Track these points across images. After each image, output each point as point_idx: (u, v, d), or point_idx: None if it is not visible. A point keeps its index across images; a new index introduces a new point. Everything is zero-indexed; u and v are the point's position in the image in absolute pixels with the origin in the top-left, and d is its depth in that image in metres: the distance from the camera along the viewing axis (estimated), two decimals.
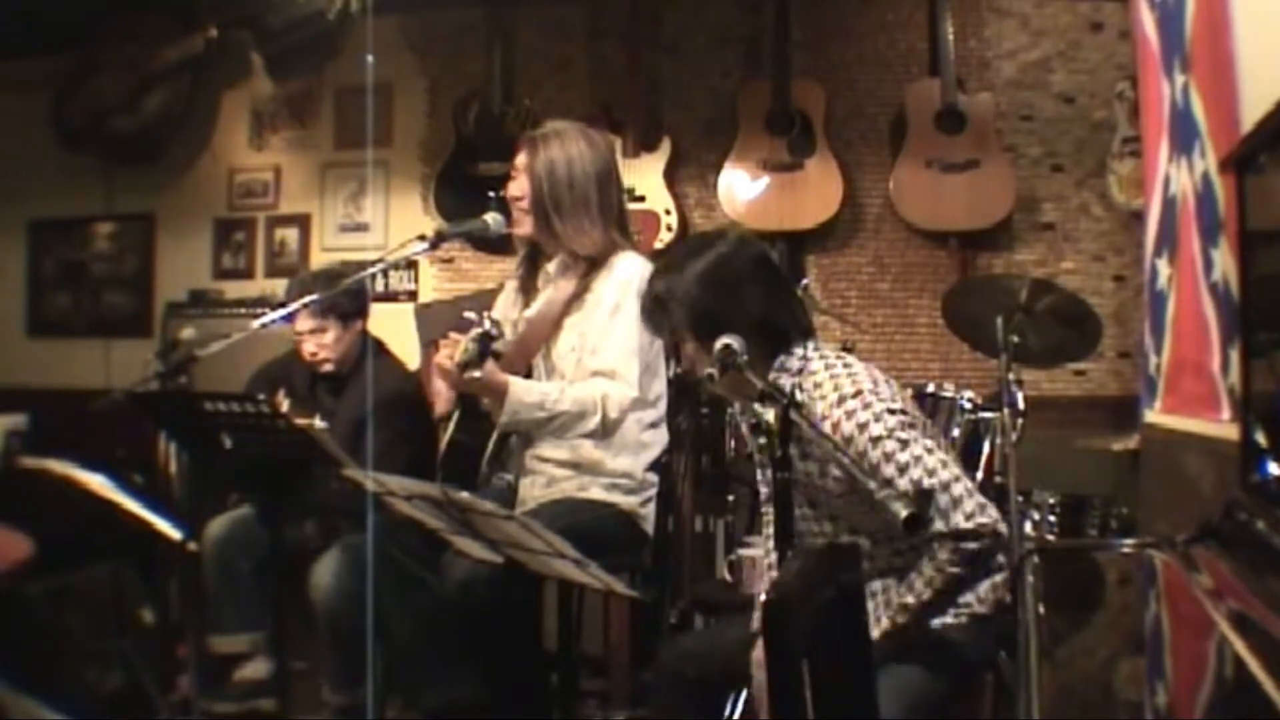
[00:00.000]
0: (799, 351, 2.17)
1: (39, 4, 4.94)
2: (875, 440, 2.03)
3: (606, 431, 2.70)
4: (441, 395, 2.88)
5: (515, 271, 3.00)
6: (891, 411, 2.05)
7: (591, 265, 2.76)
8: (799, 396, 2.10)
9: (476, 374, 2.57)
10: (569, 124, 2.87)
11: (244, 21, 5.00)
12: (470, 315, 2.63)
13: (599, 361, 2.70)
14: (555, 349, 2.80)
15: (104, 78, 5.19)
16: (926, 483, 1.99)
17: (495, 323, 2.61)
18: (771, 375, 2.15)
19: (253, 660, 3.33)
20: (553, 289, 2.81)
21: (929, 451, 2.03)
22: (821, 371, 2.13)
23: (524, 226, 2.82)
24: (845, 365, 2.15)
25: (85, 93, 5.22)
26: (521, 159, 2.81)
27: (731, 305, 2.13)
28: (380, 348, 3.48)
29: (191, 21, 5.01)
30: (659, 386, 2.83)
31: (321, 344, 3.32)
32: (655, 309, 2.23)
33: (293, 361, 3.45)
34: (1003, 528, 2.04)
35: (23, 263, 5.57)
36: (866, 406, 2.05)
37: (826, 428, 2.05)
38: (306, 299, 3.11)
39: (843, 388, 2.09)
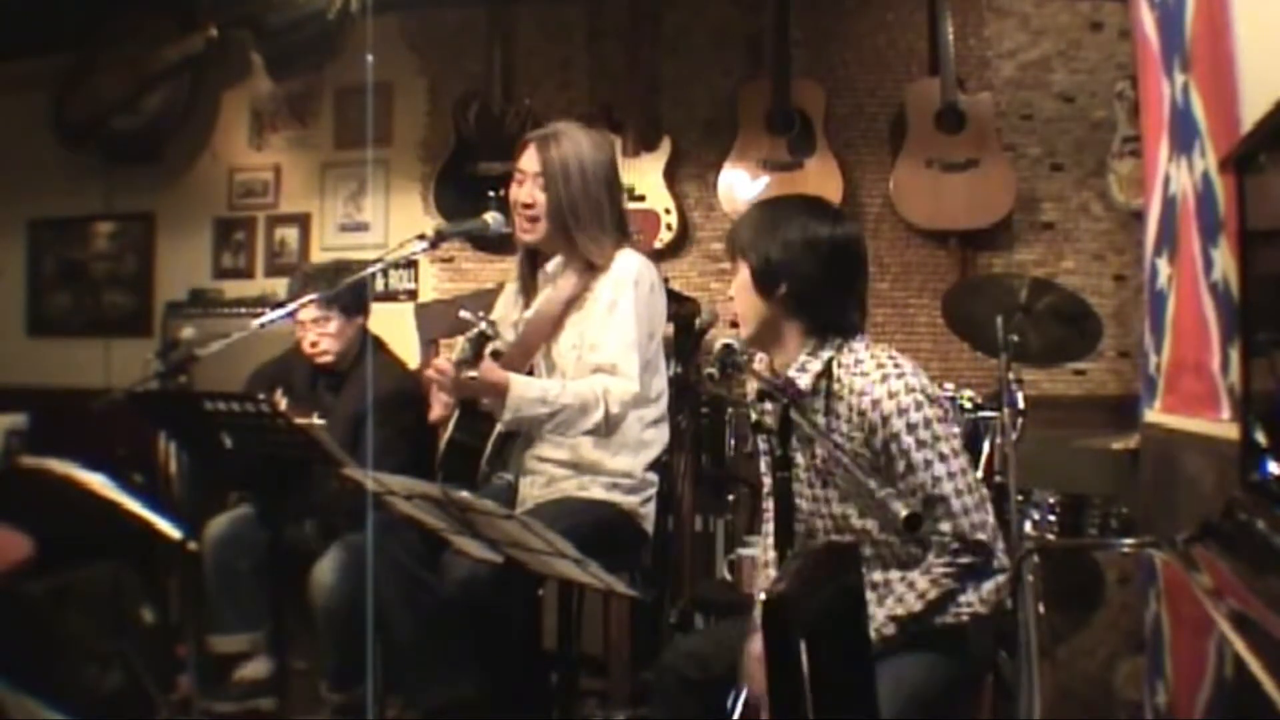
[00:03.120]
0: (840, 339, 2.18)
1: (39, 4, 4.94)
2: (911, 426, 2.05)
3: (609, 427, 2.68)
4: (439, 400, 2.86)
5: (515, 273, 2.98)
6: (931, 400, 2.08)
7: (590, 265, 2.76)
8: (837, 371, 2.13)
9: (472, 374, 2.56)
10: (571, 124, 2.82)
11: (244, 21, 4.99)
12: (465, 315, 2.62)
13: (598, 357, 2.69)
14: (556, 347, 2.79)
15: (104, 78, 5.19)
16: (945, 484, 2.03)
17: (491, 323, 2.60)
18: (810, 349, 2.16)
19: (253, 660, 3.33)
20: (552, 288, 2.80)
21: (955, 454, 2.06)
22: (863, 351, 2.15)
23: (535, 234, 2.75)
24: (886, 350, 2.17)
25: (85, 93, 5.22)
26: (531, 163, 2.74)
27: (803, 277, 2.13)
28: (379, 346, 3.48)
29: (191, 21, 5.01)
30: (660, 383, 2.83)
31: (324, 333, 3.33)
32: (736, 233, 2.25)
33: (292, 360, 3.46)
34: (999, 545, 2.08)
35: (23, 262, 5.57)
36: (910, 391, 2.07)
37: (866, 403, 2.07)
38: (313, 295, 3.12)
39: (885, 367, 2.10)
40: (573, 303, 2.76)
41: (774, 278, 2.15)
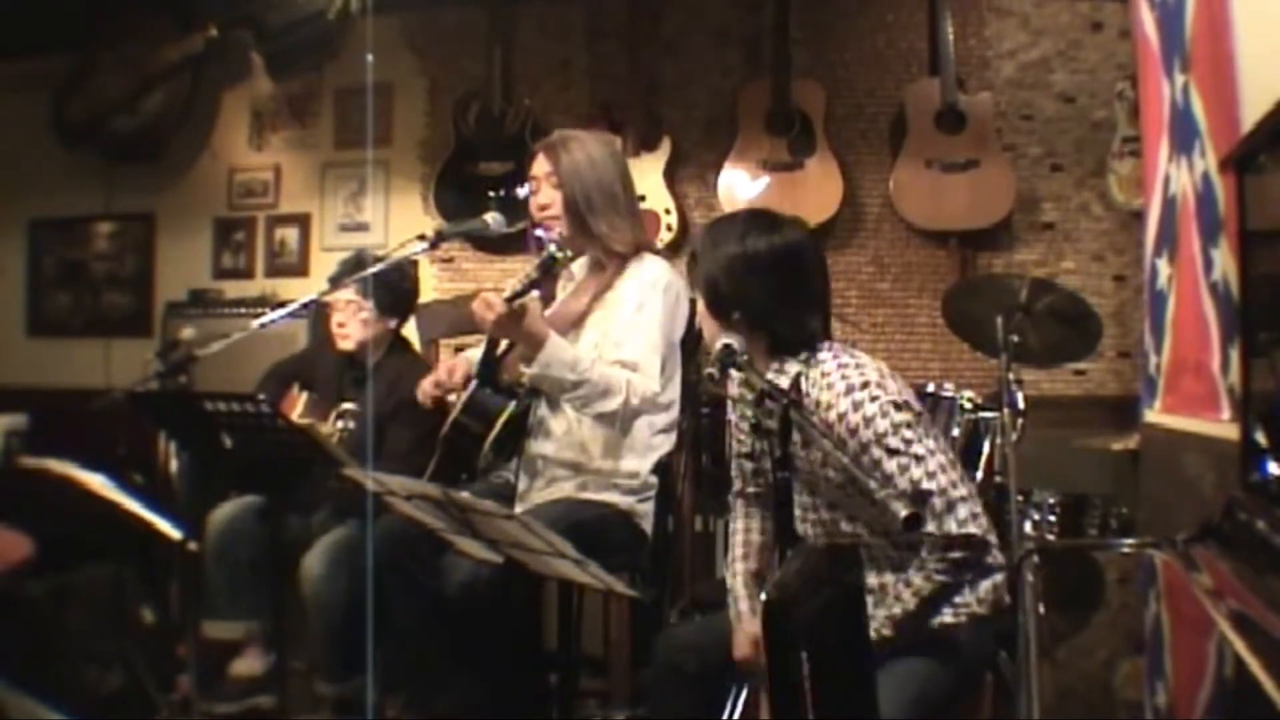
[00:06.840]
0: (805, 351, 2.19)
1: (39, 4, 4.94)
2: (880, 436, 2.05)
3: (624, 420, 2.67)
4: (431, 380, 2.87)
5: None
6: (898, 406, 2.07)
7: (618, 266, 2.76)
8: (805, 386, 2.12)
9: (526, 301, 2.54)
10: (579, 131, 2.89)
11: (244, 21, 5.00)
12: (541, 234, 2.68)
13: (622, 354, 2.69)
14: (577, 346, 2.78)
15: (104, 77, 5.19)
16: (925, 484, 2.02)
17: (559, 258, 2.58)
18: (777, 364, 2.18)
19: (248, 654, 3.33)
20: (576, 286, 2.82)
21: (931, 453, 2.05)
22: (830, 362, 2.15)
23: (559, 230, 2.79)
24: (853, 358, 2.17)
25: (85, 93, 5.22)
26: (541, 167, 2.80)
27: (751, 298, 2.16)
28: (405, 346, 3.51)
29: (191, 21, 5.01)
30: (673, 392, 2.83)
31: (352, 316, 3.35)
32: (692, 261, 2.31)
33: (314, 357, 3.47)
34: (992, 537, 2.07)
35: (23, 262, 5.57)
36: (874, 400, 2.07)
37: (832, 417, 2.08)
38: (359, 274, 3.16)
39: (850, 379, 2.10)
40: (596, 301, 2.76)
41: (725, 302, 2.17)
